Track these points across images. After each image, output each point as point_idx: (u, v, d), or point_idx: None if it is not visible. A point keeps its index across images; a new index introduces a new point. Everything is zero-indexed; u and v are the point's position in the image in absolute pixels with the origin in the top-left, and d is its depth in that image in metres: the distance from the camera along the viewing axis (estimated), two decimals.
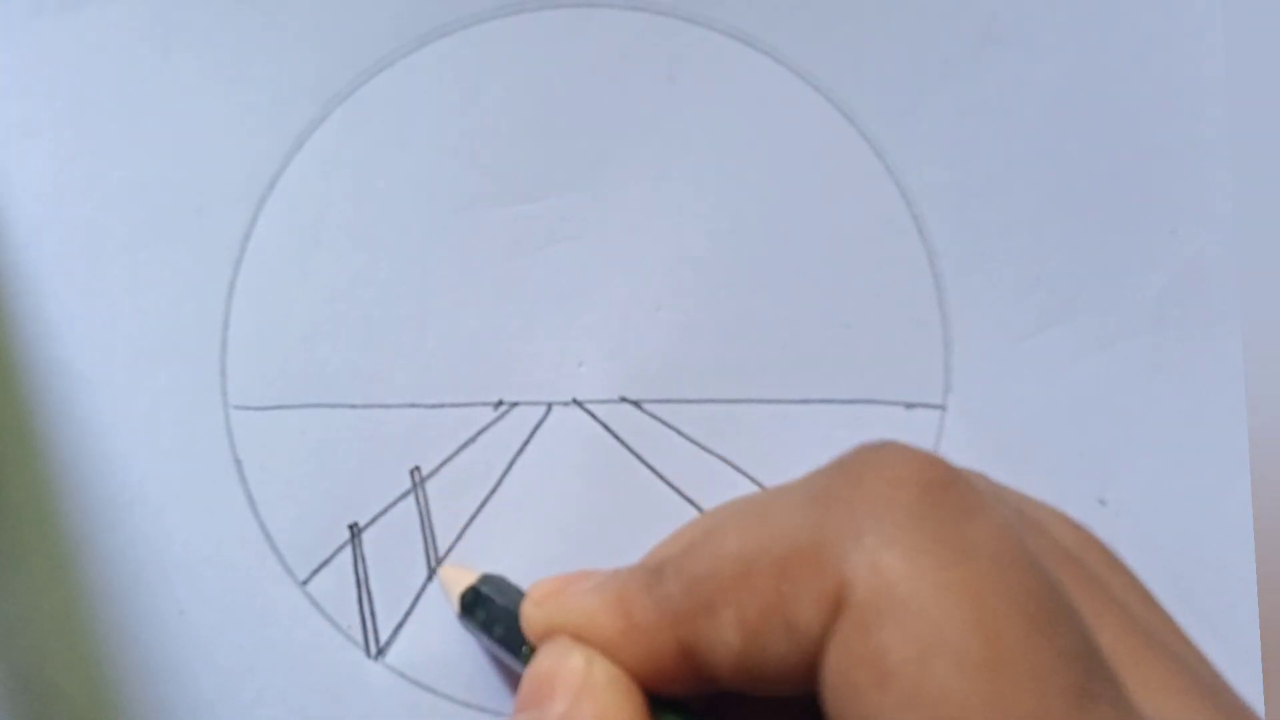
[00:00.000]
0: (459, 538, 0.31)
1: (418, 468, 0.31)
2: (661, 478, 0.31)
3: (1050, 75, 0.31)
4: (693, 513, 0.31)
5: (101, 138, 0.31)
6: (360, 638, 0.31)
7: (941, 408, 0.31)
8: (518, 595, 0.28)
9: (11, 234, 0.31)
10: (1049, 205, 0.31)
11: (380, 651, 0.31)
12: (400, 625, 0.31)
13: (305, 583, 0.31)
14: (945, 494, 0.20)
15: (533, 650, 0.25)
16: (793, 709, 0.22)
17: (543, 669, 0.24)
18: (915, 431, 0.31)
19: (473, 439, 0.31)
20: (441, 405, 0.31)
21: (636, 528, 0.31)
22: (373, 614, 0.31)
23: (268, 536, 0.31)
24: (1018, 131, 0.31)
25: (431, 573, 0.31)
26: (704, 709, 0.24)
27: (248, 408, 0.31)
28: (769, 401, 0.31)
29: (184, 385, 0.31)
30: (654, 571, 0.23)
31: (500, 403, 0.31)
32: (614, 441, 0.31)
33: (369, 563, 0.31)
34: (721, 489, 0.31)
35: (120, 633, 0.31)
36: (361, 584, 0.31)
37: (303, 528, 0.31)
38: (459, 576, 0.30)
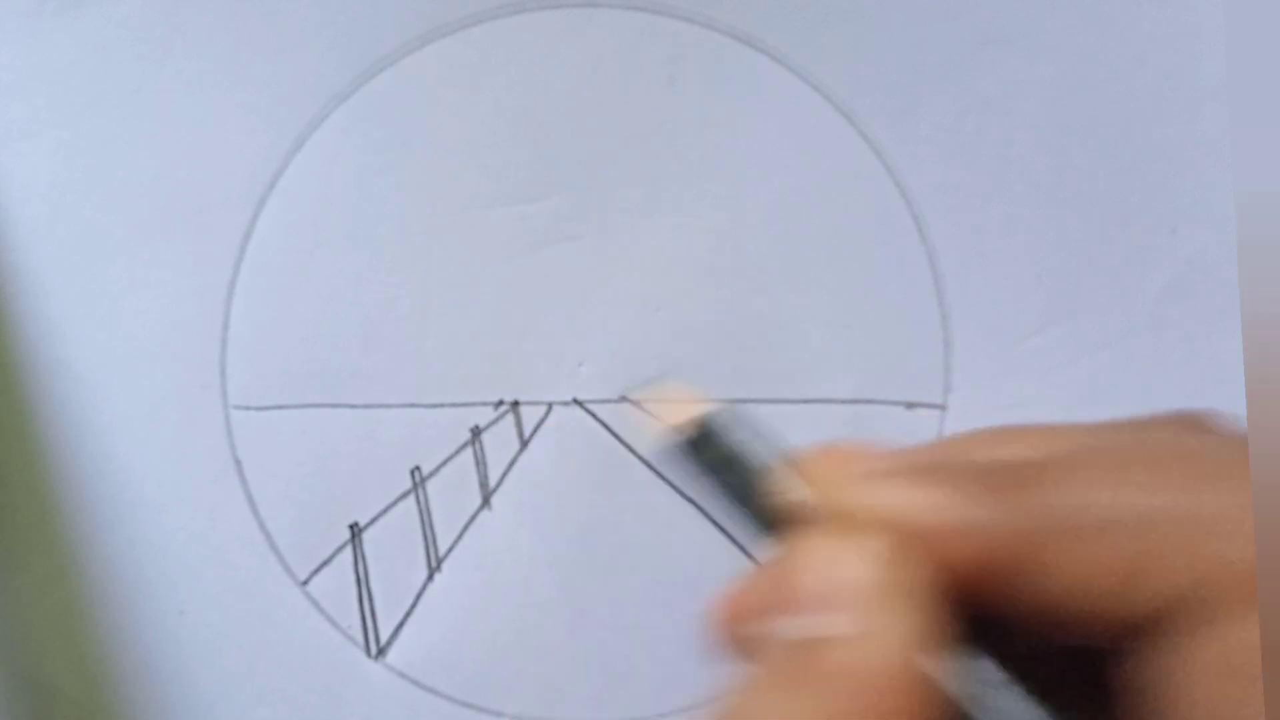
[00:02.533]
0: (459, 538, 0.31)
1: (418, 468, 0.31)
2: (662, 477, 0.31)
3: (1050, 75, 0.31)
4: (692, 511, 0.31)
5: (101, 138, 0.31)
6: (360, 638, 0.31)
7: (941, 408, 0.31)
8: (768, 441, 0.23)
9: (12, 234, 0.31)
10: (1049, 205, 0.31)
11: (380, 651, 0.31)
12: (400, 625, 0.31)
13: (305, 583, 0.31)
14: None
15: (780, 511, 0.21)
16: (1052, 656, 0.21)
17: (822, 561, 0.20)
18: (915, 431, 0.31)
19: (473, 439, 0.31)
20: (441, 405, 0.31)
21: (636, 528, 0.31)
22: (373, 614, 0.31)
23: (268, 536, 0.31)
24: (1018, 131, 0.31)
25: (432, 573, 0.31)
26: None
27: (248, 408, 0.31)
28: (769, 401, 0.31)
29: (184, 385, 0.31)
30: (1000, 476, 0.20)
31: (500, 403, 0.31)
32: (614, 441, 0.31)
33: (369, 563, 0.31)
34: None
35: (120, 633, 0.31)
36: (361, 584, 0.31)
37: (303, 528, 0.31)
38: (679, 404, 0.24)
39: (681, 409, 0.24)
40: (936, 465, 0.21)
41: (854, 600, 0.19)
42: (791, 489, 0.21)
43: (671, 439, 0.24)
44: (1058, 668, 0.21)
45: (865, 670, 0.19)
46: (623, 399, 0.31)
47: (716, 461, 0.23)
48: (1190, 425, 0.22)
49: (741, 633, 0.21)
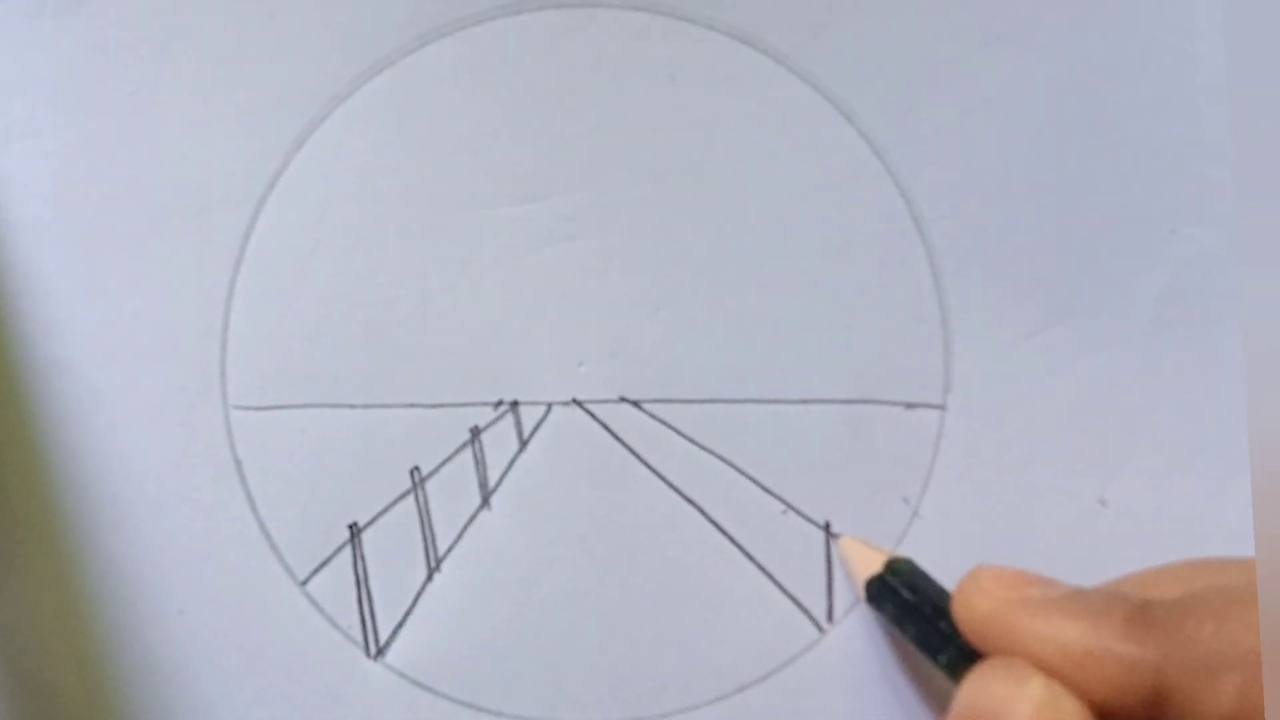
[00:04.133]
0: (459, 538, 0.31)
1: (418, 468, 0.31)
2: (661, 478, 0.31)
3: (1050, 75, 0.31)
4: (692, 512, 0.31)
5: (101, 138, 0.31)
6: (360, 638, 0.31)
7: (941, 408, 0.31)
8: (933, 589, 0.26)
9: (11, 234, 0.31)
10: (1049, 205, 0.31)
11: (380, 651, 0.31)
12: (400, 625, 0.31)
13: (305, 583, 0.31)
14: None
15: (958, 655, 0.24)
16: None
17: (993, 691, 0.22)
18: (915, 431, 0.31)
19: (473, 439, 0.31)
20: (441, 405, 0.31)
21: (636, 528, 0.31)
22: (373, 614, 0.31)
23: (268, 536, 0.31)
24: (1018, 131, 0.31)
25: (431, 573, 0.31)
26: None
27: (248, 408, 0.31)
28: (769, 401, 0.31)
29: (184, 385, 0.31)
30: (1141, 610, 0.22)
31: (500, 403, 0.31)
32: (614, 441, 0.31)
33: (369, 563, 0.31)
34: (721, 489, 0.31)
35: (120, 633, 0.31)
36: (361, 584, 0.31)
37: (303, 528, 0.31)
38: (864, 555, 0.28)
39: (861, 563, 0.28)
40: (1087, 600, 0.23)
41: None
42: (969, 622, 0.23)
43: (862, 594, 0.28)
44: None
45: None
46: (622, 399, 0.31)
47: (899, 612, 0.27)
48: None
49: None
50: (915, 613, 0.26)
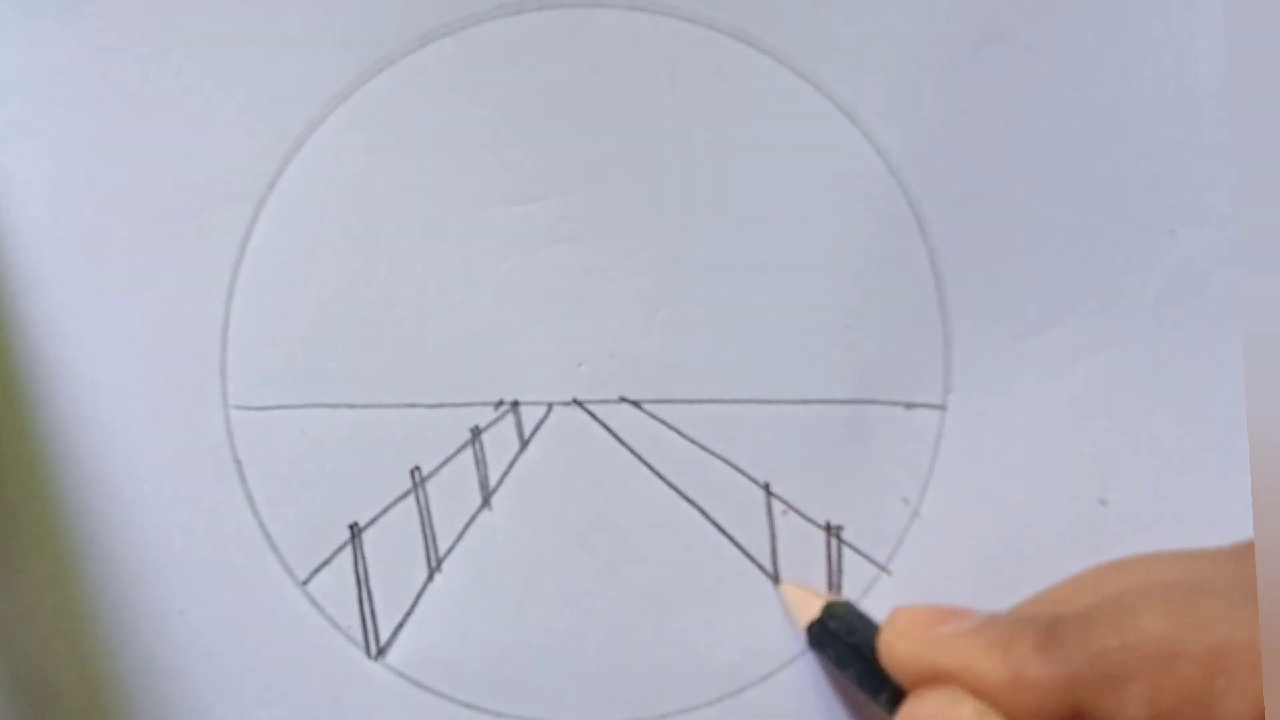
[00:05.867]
0: (459, 538, 0.31)
1: (418, 468, 0.31)
2: (661, 478, 0.31)
3: (1050, 75, 0.31)
4: (692, 512, 0.31)
5: (101, 138, 0.31)
6: (360, 638, 0.31)
7: (941, 408, 0.31)
8: (870, 629, 0.27)
9: (11, 234, 0.31)
10: (1049, 205, 0.31)
11: (380, 651, 0.31)
12: (400, 625, 0.31)
13: (305, 583, 0.31)
14: None
15: (895, 693, 0.25)
16: None
17: (925, 716, 0.23)
18: (915, 432, 0.31)
19: (473, 439, 0.31)
20: (441, 405, 0.31)
21: (636, 528, 0.31)
22: (373, 614, 0.31)
23: (268, 536, 0.31)
24: (1018, 131, 0.31)
25: (432, 573, 0.31)
26: None
27: (248, 408, 0.31)
28: (769, 401, 0.31)
29: (184, 385, 0.31)
30: (1047, 629, 0.23)
31: (500, 403, 0.31)
32: (614, 441, 0.31)
33: (369, 563, 0.31)
34: (722, 489, 0.31)
35: (120, 633, 0.31)
36: (361, 584, 0.31)
37: (303, 528, 0.31)
38: (803, 601, 0.29)
39: (800, 608, 0.29)
40: (998, 628, 0.23)
41: None
42: (893, 655, 0.25)
43: (803, 638, 0.29)
44: None
45: None
46: (622, 399, 0.31)
47: (839, 655, 0.28)
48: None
49: None
50: (855, 655, 0.27)
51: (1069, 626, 0.23)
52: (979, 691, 0.23)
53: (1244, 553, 0.22)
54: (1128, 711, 0.21)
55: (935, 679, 0.24)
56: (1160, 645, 0.21)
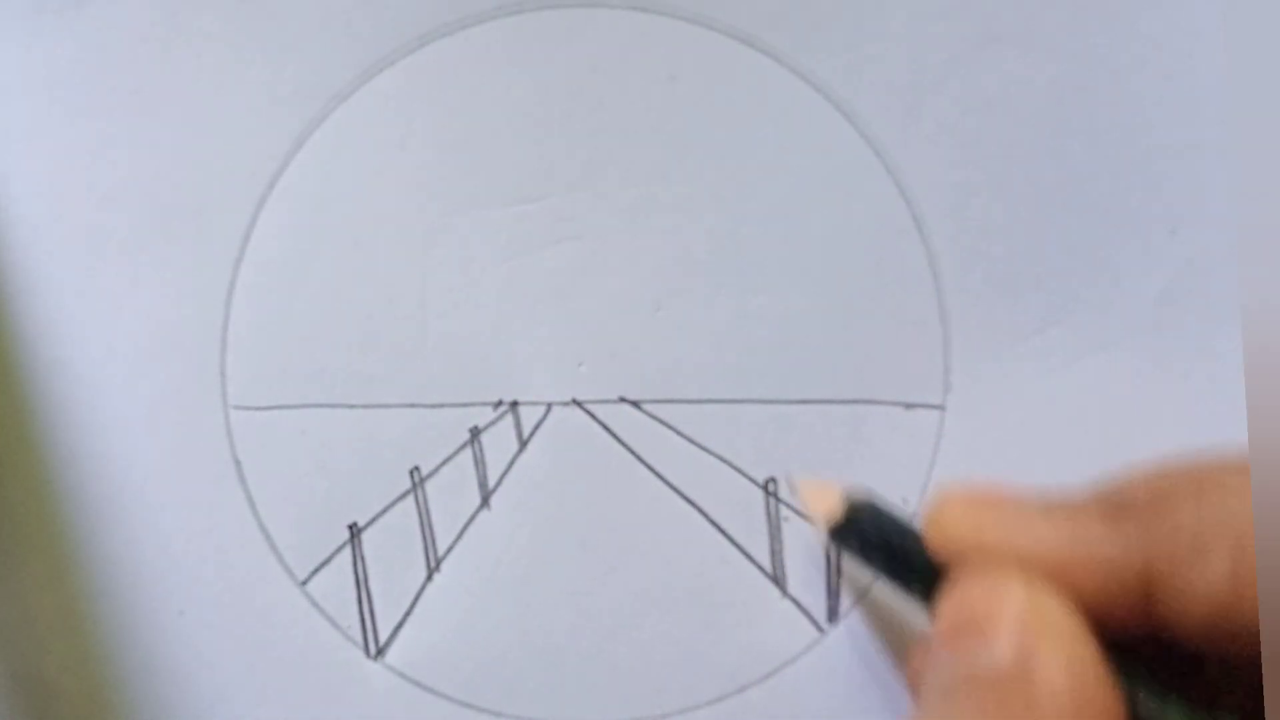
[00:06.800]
0: (459, 538, 0.31)
1: (418, 468, 0.31)
2: (661, 478, 0.31)
3: (1050, 75, 0.31)
4: (691, 512, 0.31)
5: (101, 138, 0.31)
6: (360, 638, 0.31)
7: (941, 408, 0.31)
8: (898, 516, 0.26)
9: (11, 234, 0.31)
10: (1049, 205, 0.31)
11: (380, 651, 0.31)
12: (400, 625, 0.31)
13: (305, 583, 0.31)
14: None
15: (930, 579, 0.23)
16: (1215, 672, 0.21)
17: (976, 599, 0.21)
18: (915, 432, 0.31)
19: (472, 439, 0.31)
20: (441, 405, 0.31)
21: (636, 528, 0.31)
22: (372, 614, 0.31)
23: (268, 536, 0.31)
24: (1018, 131, 0.31)
25: (431, 573, 0.31)
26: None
27: (248, 408, 0.31)
28: (769, 401, 0.31)
29: (184, 385, 0.31)
30: (1118, 504, 0.21)
31: (500, 403, 0.31)
32: (614, 441, 0.31)
33: (369, 563, 0.31)
34: (721, 489, 0.31)
35: (120, 633, 0.31)
36: (361, 584, 0.31)
37: (303, 528, 0.31)
38: (823, 494, 0.27)
39: (825, 498, 0.27)
40: (1061, 503, 0.22)
41: (1021, 625, 0.20)
42: (943, 534, 0.23)
43: (823, 534, 0.27)
44: (1230, 680, 0.21)
45: (1041, 692, 0.19)
46: (622, 399, 0.31)
47: (870, 539, 0.26)
48: None
49: (922, 676, 0.22)
50: (884, 542, 0.26)
51: (1142, 500, 0.21)
52: (1040, 568, 0.21)
53: None
54: (1208, 582, 0.20)
55: (988, 557, 0.22)
56: (1243, 521, 0.20)
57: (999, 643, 0.20)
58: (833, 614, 0.30)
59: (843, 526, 0.27)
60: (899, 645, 0.30)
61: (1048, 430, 0.31)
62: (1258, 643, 0.20)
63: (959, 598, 0.22)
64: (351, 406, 0.31)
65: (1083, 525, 0.21)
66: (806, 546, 0.31)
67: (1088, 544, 0.21)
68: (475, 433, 0.31)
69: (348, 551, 0.31)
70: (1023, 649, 0.20)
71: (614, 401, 0.31)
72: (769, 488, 0.31)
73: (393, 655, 0.31)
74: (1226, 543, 0.20)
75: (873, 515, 0.27)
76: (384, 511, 0.31)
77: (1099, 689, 0.20)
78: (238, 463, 0.31)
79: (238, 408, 0.31)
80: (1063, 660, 0.20)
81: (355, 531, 0.31)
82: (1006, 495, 0.23)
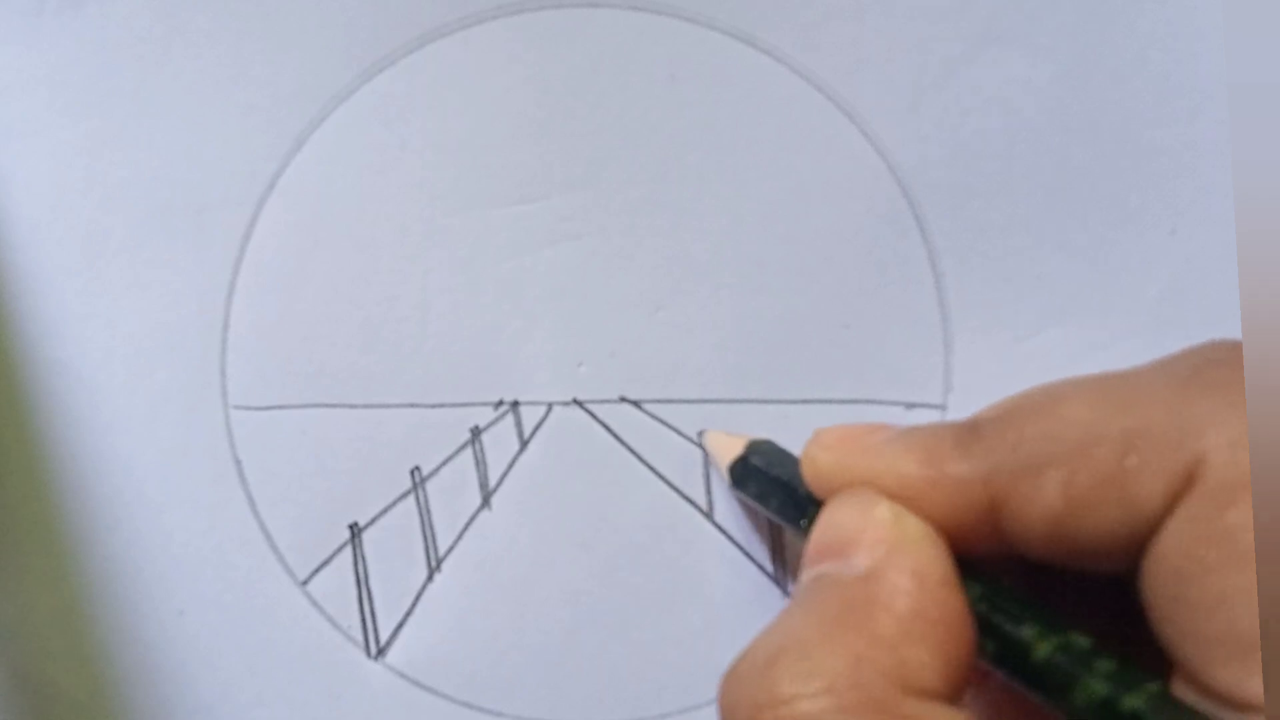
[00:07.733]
0: (459, 538, 0.31)
1: (418, 468, 0.31)
2: (661, 478, 0.31)
3: (1050, 75, 0.31)
4: (692, 512, 0.31)
5: (101, 138, 0.31)
6: (360, 638, 0.31)
7: (941, 408, 0.31)
8: (792, 463, 0.27)
9: (11, 234, 0.31)
10: (1049, 205, 0.31)
11: (380, 651, 0.31)
12: (400, 625, 0.31)
13: (305, 583, 0.31)
14: None
15: (815, 510, 0.24)
16: (1067, 587, 0.22)
17: (842, 520, 0.23)
18: None
19: (473, 439, 0.31)
20: (441, 405, 0.31)
21: (636, 528, 0.31)
22: (373, 614, 0.31)
23: (268, 536, 0.31)
24: (1018, 131, 0.31)
25: (432, 573, 0.31)
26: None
27: (248, 408, 0.31)
28: (769, 401, 0.31)
29: (184, 385, 0.31)
30: (968, 428, 0.22)
31: (500, 403, 0.31)
32: (614, 441, 0.31)
33: (369, 563, 0.31)
34: (722, 488, 0.31)
35: (120, 633, 0.31)
36: (361, 584, 0.31)
37: (303, 528, 0.31)
38: (726, 444, 0.29)
39: (724, 451, 0.29)
40: (920, 432, 0.23)
41: (877, 541, 0.22)
42: (816, 467, 0.24)
43: (726, 479, 0.29)
44: (1090, 599, 0.22)
45: (898, 595, 0.21)
46: (622, 399, 0.31)
47: (761, 490, 0.28)
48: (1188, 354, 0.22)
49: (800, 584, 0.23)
50: (777, 486, 0.27)
51: (990, 422, 0.22)
52: (899, 494, 0.22)
53: (1174, 356, 0.22)
54: (1043, 499, 0.21)
55: (850, 488, 0.23)
56: (1079, 430, 0.21)
57: (857, 558, 0.22)
58: None
59: (739, 468, 0.28)
60: None
61: None
62: (1098, 558, 0.21)
63: (825, 522, 0.23)
64: (352, 406, 0.31)
65: (936, 449, 0.22)
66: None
67: (940, 466, 0.22)
68: (476, 433, 0.31)
69: (348, 551, 0.31)
70: (875, 560, 0.21)
71: (614, 401, 0.31)
72: None
73: (393, 655, 0.31)
74: (1063, 456, 0.21)
75: (766, 456, 0.28)
76: (384, 511, 0.31)
77: (945, 597, 0.21)
78: (238, 462, 0.31)
79: (238, 407, 0.31)
80: (909, 568, 0.21)
81: (356, 531, 0.31)
82: (872, 430, 0.24)
